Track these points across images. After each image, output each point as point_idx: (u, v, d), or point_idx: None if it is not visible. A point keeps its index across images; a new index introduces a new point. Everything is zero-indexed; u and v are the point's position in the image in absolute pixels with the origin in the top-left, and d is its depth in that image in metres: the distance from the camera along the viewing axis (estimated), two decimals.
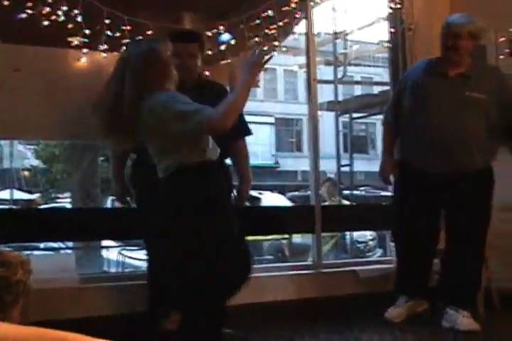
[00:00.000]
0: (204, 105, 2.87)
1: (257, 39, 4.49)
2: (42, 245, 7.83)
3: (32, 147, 18.47)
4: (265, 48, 4.65)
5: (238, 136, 3.74)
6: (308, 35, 4.79)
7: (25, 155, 18.70)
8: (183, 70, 3.56)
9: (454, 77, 3.88)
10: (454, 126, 3.81)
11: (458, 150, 3.83)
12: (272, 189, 14.74)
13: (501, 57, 4.69)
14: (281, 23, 4.54)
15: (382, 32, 5.42)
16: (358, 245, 9.57)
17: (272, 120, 23.76)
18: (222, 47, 4.41)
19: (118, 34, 3.97)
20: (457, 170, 3.85)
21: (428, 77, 3.97)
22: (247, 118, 3.82)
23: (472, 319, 3.82)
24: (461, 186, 3.86)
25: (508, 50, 4.66)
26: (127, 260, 7.66)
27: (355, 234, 9.20)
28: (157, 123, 2.90)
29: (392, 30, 5.20)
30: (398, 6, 5.11)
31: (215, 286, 3.00)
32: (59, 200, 15.94)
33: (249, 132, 3.82)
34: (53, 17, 3.82)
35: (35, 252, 7.23)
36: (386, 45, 5.34)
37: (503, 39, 4.69)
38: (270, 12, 4.46)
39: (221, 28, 4.34)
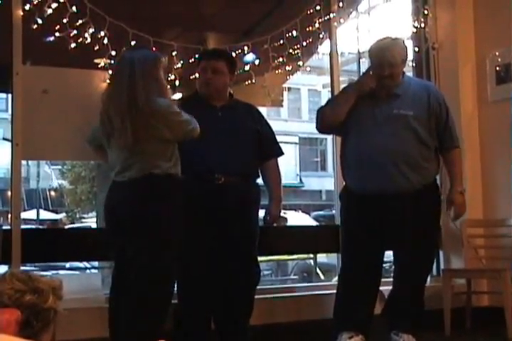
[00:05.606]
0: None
1: (281, 59, 4.51)
2: (68, 265, 7.87)
3: (57, 167, 18.63)
4: (289, 68, 4.67)
5: (270, 156, 3.75)
6: (332, 54, 4.81)
7: (50, 176, 18.86)
8: (206, 85, 3.59)
9: (382, 97, 3.72)
10: (382, 145, 3.61)
11: (389, 170, 3.60)
12: (296, 208, 14.70)
13: None
14: (305, 43, 4.56)
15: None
16: (383, 264, 9.44)
17: (296, 140, 23.72)
18: (247, 68, 4.44)
19: None
20: (393, 192, 3.60)
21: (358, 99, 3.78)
22: None
23: None
24: (401, 209, 3.62)
25: None
26: None
27: None
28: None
29: (416, 49, 5.20)
30: (422, 25, 5.11)
31: None
32: (84, 220, 16.06)
33: (281, 152, 3.83)
34: (80, 39, 3.88)
35: (61, 272, 7.27)
36: (410, 64, 5.33)
37: None
38: (294, 32, 4.49)
39: (245, 48, 4.37)
